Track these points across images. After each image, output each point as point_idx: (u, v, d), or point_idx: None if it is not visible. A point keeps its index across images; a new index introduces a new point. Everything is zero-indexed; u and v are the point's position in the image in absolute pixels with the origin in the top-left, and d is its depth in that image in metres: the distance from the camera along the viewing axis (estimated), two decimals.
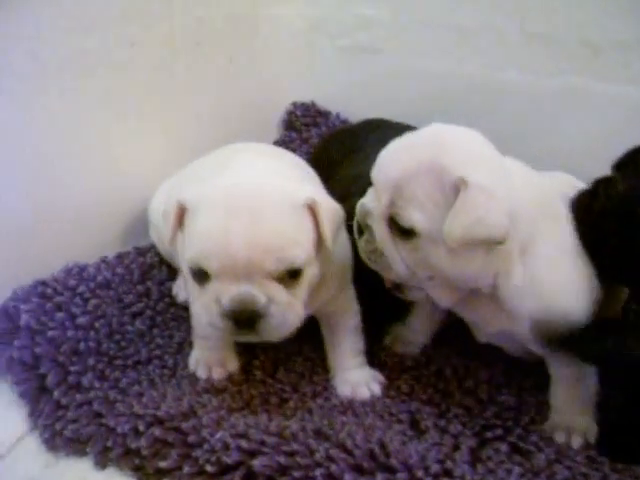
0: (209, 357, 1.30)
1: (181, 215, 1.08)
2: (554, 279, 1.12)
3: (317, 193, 1.12)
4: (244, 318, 1.04)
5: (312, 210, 1.07)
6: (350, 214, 1.19)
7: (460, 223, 1.01)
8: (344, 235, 1.24)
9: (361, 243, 1.16)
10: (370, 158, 1.53)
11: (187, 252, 1.06)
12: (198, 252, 1.04)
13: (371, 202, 1.12)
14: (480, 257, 1.06)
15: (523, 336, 1.15)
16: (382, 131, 1.68)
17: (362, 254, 1.17)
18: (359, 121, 1.83)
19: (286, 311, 1.06)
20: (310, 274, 1.09)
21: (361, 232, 1.16)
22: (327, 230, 1.07)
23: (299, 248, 1.05)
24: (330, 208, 1.11)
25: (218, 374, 1.29)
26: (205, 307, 1.06)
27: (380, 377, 1.31)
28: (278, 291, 1.05)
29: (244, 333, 1.06)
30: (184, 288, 1.46)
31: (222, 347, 1.30)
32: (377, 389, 1.29)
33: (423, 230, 1.05)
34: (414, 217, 1.05)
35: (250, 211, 1.02)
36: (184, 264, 1.10)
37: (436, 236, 1.04)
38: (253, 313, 1.03)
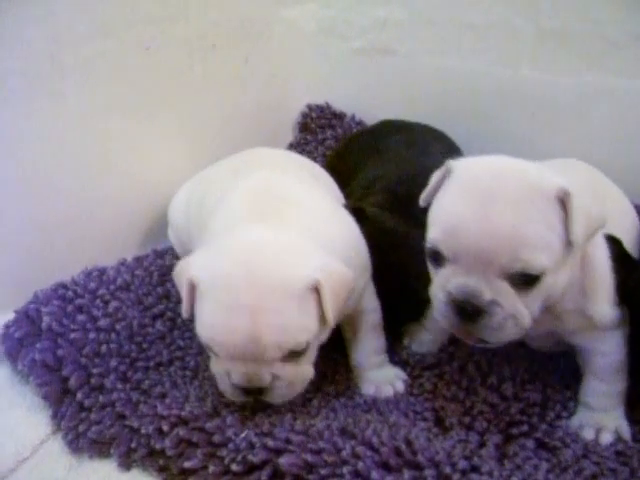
0: None
1: (193, 290, 1.09)
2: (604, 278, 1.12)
3: (323, 267, 1.07)
4: (252, 391, 1.10)
5: (317, 290, 1.06)
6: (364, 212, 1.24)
7: (581, 226, 0.99)
8: (361, 237, 1.26)
9: (472, 328, 1.05)
10: (394, 160, 1.54)
11: (197, 328, 1.09)
12: (205, 337, 1.08)
13: (473, 282, 1.00)
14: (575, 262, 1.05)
15: (568, 332, 1.14)
16: (404, 133, 1.68)
17: (466, 339, 1.09)
18: (376, 122, 1.83)
19: (294, 382, 1.11)
20: (314, 349, 1.12)
21: (468, 318, 1.04)
22: (329, 309, 1.07)
23: (304, 333, 1.07)
24: (335, 282, 1.08)
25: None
26: (218, 376, 1.12)
27: (403, 375, 1.31)
28: (285, 368, 1.08)
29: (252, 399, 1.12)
30: None
31: None
32: (401, 387, 1.28)
33: (550, 265, 0.99)
34: (543, 258, 0.98)
35: (252, 307, 1.03)
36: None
37: (558, 264, 1.01)
38: (261, 389, 1.09)
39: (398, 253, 1.33)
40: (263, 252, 1.07)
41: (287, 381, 1.09)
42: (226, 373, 1.09)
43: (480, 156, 1.08)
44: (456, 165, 1.06)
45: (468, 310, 1.01)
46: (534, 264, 0.98)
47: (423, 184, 1.35)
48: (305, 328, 1.07)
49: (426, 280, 1.28)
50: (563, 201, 0.99)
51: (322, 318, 1.08)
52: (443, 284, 1.03)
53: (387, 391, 1.27)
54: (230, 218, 1.18)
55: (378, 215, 1.38)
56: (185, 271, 1.10)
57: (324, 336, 1.14)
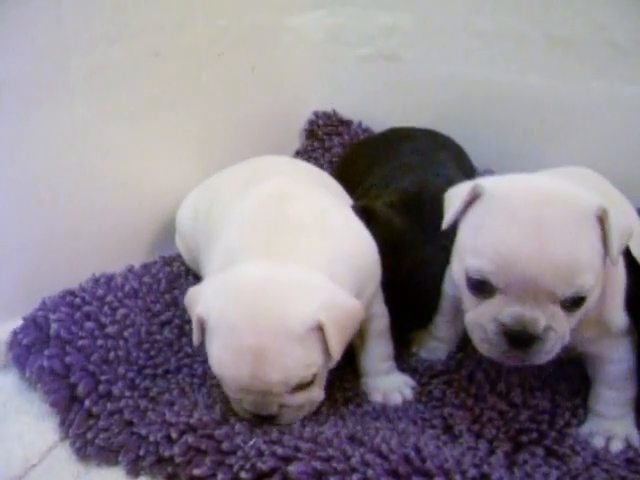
0: None
1: (202, 324, 1.11)
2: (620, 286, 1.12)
3: (327, 302, 1.08)
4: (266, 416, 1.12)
5: (321, 329, 1.07)
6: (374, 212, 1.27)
7: (618, 242, 1.00)
8: (372, 245, 1.25)
9: (523, 354, 1.03)
10: (406, 167, 1.53)
11: (209, 359, 1.12)
12: (215, 370, 1.11)
13: (529, 311, 0.99)
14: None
15: (583, 340, 1.13)
16: (411, 140, 1.68)
17: (509, 362, 1.08)
18: (384, 130, 1.82)
19: (304, 406, 1.14)
20: (322, 377, 1.15)
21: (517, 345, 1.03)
22: (334, 345, 1.08)
23: (310, 369, 1.08)
24: (341, 316, 1.09)
25: None
26: (233, 401, 1.15)
27: (411, 382, 1.30)
28: (293, 398, 1.11)
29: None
30: None
31: None
32: (409, 394, 1.28)
33: (595, 284, 1.00)
34: (591, 279, 0.99)
35: (255, 348, 1.04)
36: None
37: (598, 280, 1.01)
38: (275, 415, 1.12)
39: (407, 255, 1.33)
40: (265, 293, 1.07)
41: (295, 407, 1.12)
42: (238, 401, 1.13)
43: (506, 175, 1.08)
44: (490, 187, 1.04)
45: (524, 338, 1.01)
46: (585, 286, 0.99)
47: (433, 193, 1.35)
48: (310, 364, 1.08)
49: (435, 285, 1.28)
50: (601, 219, 1.00)
51: (328, 351, 1.09)
52: (494, 315, 1.02)
53: (395, 399, 1.26)
54: (235, 240, 1.19)
55: (388, 215, 1.37)
56: (194, 303, 1.13)
57: (332, 363, 1.14)
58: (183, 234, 1.53)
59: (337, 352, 1.09)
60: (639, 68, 1.61)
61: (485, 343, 1.05)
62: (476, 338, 1.07)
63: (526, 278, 0.98)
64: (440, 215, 1.12)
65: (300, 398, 1.11)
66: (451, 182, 1.32)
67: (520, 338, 1.01)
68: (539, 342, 1.01)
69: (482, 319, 1.04)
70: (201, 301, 1.11)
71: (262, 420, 1.13)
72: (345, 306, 1.10)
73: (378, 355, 1.29)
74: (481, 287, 1.03)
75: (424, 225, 1.35)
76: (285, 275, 1.10)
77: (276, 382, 1.06)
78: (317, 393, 1.14)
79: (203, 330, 1.11)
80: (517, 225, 0.98)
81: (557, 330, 1.01)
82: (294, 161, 1.59)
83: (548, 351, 1.02)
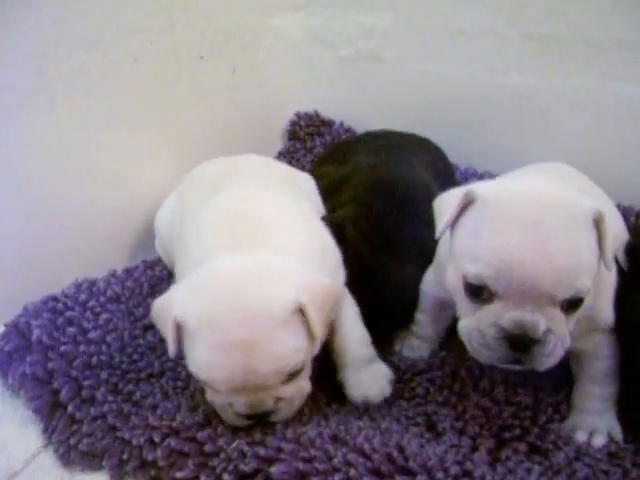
0: None
1: (179, 330, 1.08)
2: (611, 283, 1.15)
3: (304, 285, 1.09)
4: (256, 416, 1.11)
5: (302, 313, 1.07)
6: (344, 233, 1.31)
7: (611, 245, 1.02)
8: (333, 243, 1.28)
9: (524, 358, 1.03)
10: (368, 162, 1.54)
11: (191, 367, 1.09)
12: (202, 376, 1.08)
13: (529, 315, 0.99)
14: None
15: (572, 337, 1.12)
16: (385, 139, 1.69)
17: (509, 366, 1.06)
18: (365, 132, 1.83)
19: (294, 399, 1.13)
20: (309, 365, 1.15)
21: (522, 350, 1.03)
22: (317, 327, 1.08)
23: (299, 354, 1.08)
24: (318, 296, 1.10)
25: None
26: (218, 407, 1.12)
27: (390, 374, 1.27)
28: (286, 389, 1.10)
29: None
30: None
31: None
32: (387, 390, 1.24)
33: (590, 285, 1.01)
34: (589, 281, 1.00)
35: (244, 342, 1.03)
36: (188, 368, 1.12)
37: (594, 281, 1.02)
38: (264, 414, 1.10)
39: (375, 288, 1.33)
40: (244, 283, 1.07)
41: (289, 400, 1.11)
42: (228, 405, 1.10)
43: (495, 180, 1.10)
44: (483, 193, 1.04)
45: (524, 342, 1.01)
46: (584, 288, 1.00)
47: (400, 196, 1.35)
48: (298, 349, 1.08)
49: (408, 297, 1.29)
50: (597, 222, 1.01)
51: (311, 334, 1.09)
52: (493, 320, 1.02)
53: (376, 398, 1.23)
54: (206, 242, 1.18)
55: (357, 243, 1.36)
56: (167, 310, 1.09)
57: (316, 349, 1.15)
58: (161, 238, 1.53)
59: (320, 332, 1.09)
60: (617, 65, 1.63)
61: (484, 349, 1.05)
62: (473, 344, 1.06)
63: (527, 282, 0.98)
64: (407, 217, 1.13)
65: (292, 389, 1.10)
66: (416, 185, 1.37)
67: (521, 342, 1.01)
68: (539, 345, 1.01)
69: (481, 324, 1.04)
70: (176, 305, 1.08)
71: (257, 421, 1.12)
72: (320, 285, 1.11)
73: (355, 340, 1.26)
74: (479, 292, 1.03)
75: (389, 235, 1.36)
76: (259, 264, 1.10)
77: (271, 372, 1.05)
78: (305, 383, 1.14)
79: (179, 338, 1.09)
80: (516, 229, 0.98)
81: (556, 332, 1.01)
82: (268, 161, 1.57)
83: (549, 354, 1.02)
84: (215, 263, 1.11)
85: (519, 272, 0.97)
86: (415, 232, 1.35)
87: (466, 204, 1.06)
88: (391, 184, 1.44)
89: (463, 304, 1.08)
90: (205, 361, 1.06)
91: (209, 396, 1.12)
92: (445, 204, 1.08)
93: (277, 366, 1.05)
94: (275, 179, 1.40)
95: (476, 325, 1.05)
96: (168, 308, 1.09)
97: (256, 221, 1.19)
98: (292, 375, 1.09)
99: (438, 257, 1.25)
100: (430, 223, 1.23)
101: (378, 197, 1.42)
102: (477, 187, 1.06)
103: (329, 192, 1.52)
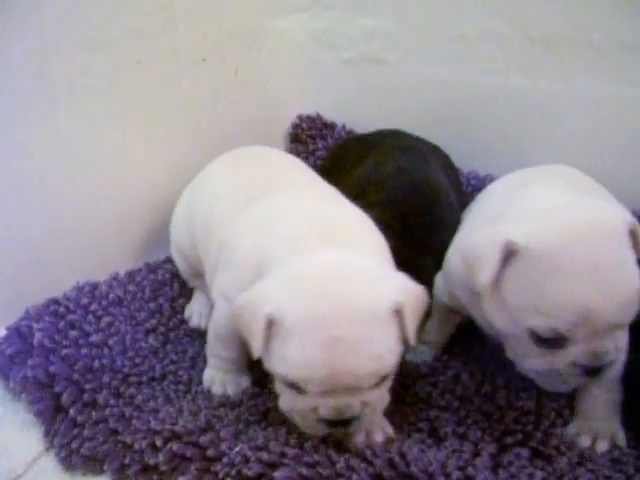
0: (223, 375, 1.29)
1: (269, 327, 1.02)
2: None
3: (402, 288, 1.06)
4: (338, 423, 1.05)
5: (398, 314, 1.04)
6: None
7: None
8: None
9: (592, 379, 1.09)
10: (390, 164, 1.53)
11: (278, 367, 1.03)
12: (294, 375, 1.02)
13: (602, 347, 1.03)
14: None
15: None
16: (400, 139, 1.68)
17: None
18: (372, 131, 1.83)
19: (377, 407, 1.07)
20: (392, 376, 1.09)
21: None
22: (412, 330, 1.05)
23: (394, 357, 1.04)
24: (414, 301, 1.06)
25: (233, 390, 1.28)
26: (300, 412, 1.06)
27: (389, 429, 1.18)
28: (372, 395, 1.04)
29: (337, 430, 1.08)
30: (197, 311, 1.48)
31: (237, 367, 1.30)
32: (390, 432, 1.17)
33: None
34: None
35: (347, 339, 0.98)
36: (271, 369, 1.06)
37: None
38: (350, 418, 1.04)
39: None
40: (344, 280, 1.03)
41: (373, 407, 1.06)
42: (312, 409, 1.03)
43: (527, 218, 1.06)
44: (526, 244, 1.01)
45: (599, 369, 1.05)
46: (389, 369, 1.04)
47: (429, 201, 1.37)
48: (394, 352, 1.04)
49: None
50: (633, 234, 1.04)
51: (405, 337, 1.05)
52: (571, 360, 1.04)
53: (217, 390, 1.27)
54: (284, 240, 1.13)
55: (396, 246, 1.29)
56: (258, 306, 1.03)
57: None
58: (178, 244, 1.51)
59: (414, 335, 1.05)
60: (619, 68, 1.62)
61: (557, 382, 1.09)
62: (546, 380, 1.10)
63: (602, 323, 1.00)
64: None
65: (377, 394, 1.05)
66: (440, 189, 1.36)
67: (597, 369, 1.05)
68: (610, 365, 1.05)
69: (556, 365, 1.05)
70: (268, 302, 1.02)
71: (336, 429, 1.07)
72: (414, 289, 1.08)
73: None
74: (551, 341, 1.03)
75: (420, 236, 1.36)
76: (356, 262, 1.07)
77: (369, 373, 1.01)
78: (386, 393, 1.08)
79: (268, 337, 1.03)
80: (579, 278, 0.98)
81: (622, 349, 1.06)
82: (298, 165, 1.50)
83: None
84: (307, 260, 1.07)
85: (595, 317, 0.99)
86: (444, 236, 1.33)
87: (507, 255, 1.03)
88: (420, 188, 1.44)
89: (527, 348, 1.07)
90: (302, 359, 1.00)
91: (287, 401, 1.07)
92: (481, 253, 1.05)
93: (376, 367, 1.01)
94: (323, 185, 1.39)
95: (549, 366, 1.06)
96: (258, 304, 1.03)
97: (337, 220, 1.17)
98: (383, 378, 1.04)
99: (447, 267, 1.25)
100: (451, 227, 1.26)
101: (409, 201, 1.41)
102: (516, 236, 1.02)
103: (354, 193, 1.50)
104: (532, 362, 1.08)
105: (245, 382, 1.30)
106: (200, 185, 1.47)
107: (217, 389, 1.28)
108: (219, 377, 1.29)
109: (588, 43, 1.63)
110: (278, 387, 1.08)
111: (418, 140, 1.72)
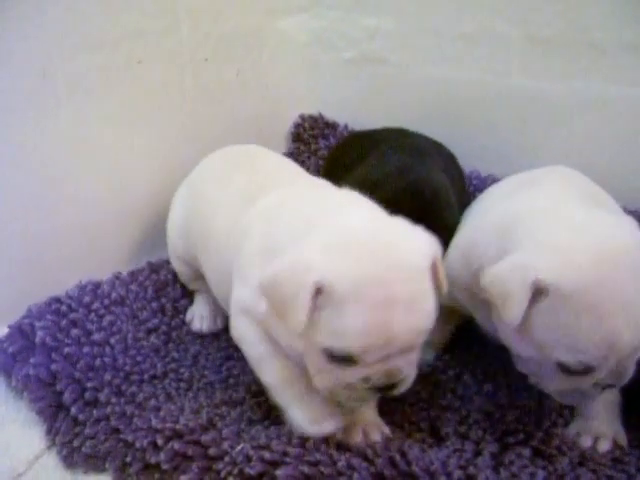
0: (318, 412, 1.12)
1: (316, 296, 0.96)
2: None
3: (430, 241, 1.05)
4: (389, 386, 1.03)
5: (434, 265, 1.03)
6: None
7: None
8: None
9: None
10: (393, 164, 1.52)
11: (330, 341, 0.98)
12: (353, 346, 0.97)
13: (624, 365, 1.05)
14: None
15: None
16: (398, 137, 1.68)
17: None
18: (376, 128, 1.82)
19: (415, 370, 1.06)
20: None
21: None
22: (445, 279, 1.05)
23: (435, 311, 1.02)
24: (439, 252, 1.05)
25: (331, 427, 1.11)
26: (348, 386, 1.02)
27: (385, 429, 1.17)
28: (415, 354, 1.04)
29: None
30: (198, 315, 1.48)
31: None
32: (387, 432, 1.16)
33: None
34: None
35: (404, 299, 0.96)
36: (312, 343, 1.01)
37: None
38: (394, 384, 1.03)
39: None
40: (385, 238, 1.01)
41: (413, 368, 1.04)
42: (363, 379, 1.00)
43: (551, 249, 1.05)
44: (555, 283, 1.01)
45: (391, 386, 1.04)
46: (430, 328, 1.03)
47: (426, 199, 1.36)
48: (436, 305, 1.02)
49: None
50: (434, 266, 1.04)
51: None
52: (593, 382, 1.07)
53: (327, 427, 1.10)
54: (308, 207, 1.12)
55: None
56: (301, 275, 0.96)
57: None
58: (174, 244, 1.51)
59: (446, 286, 1.05)
60: (620, 68, 1.62)
61: (575, 397, 1.12)
62: (562, 396, 1.13)
63: (629, 350, 1.02)
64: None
65: (416, 357, 1.04)
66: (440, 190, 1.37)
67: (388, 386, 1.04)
68: (402, 381, 1.04)
69: (580, 386, 1.08)
70: (314, 269, 0.96)
71: (386, 393, 1.05)
72: (435, 240, 1.06)
73: None
74: (577, 370, 1.04)
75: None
76: (385, 220, 1.06)
77: (424, 330, 1.00)
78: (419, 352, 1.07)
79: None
80: (612, 316, 0.99)
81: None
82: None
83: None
84: (341, 223, 1.04)
85: (625, 347, 1.01)
86: (443, 237, 1.32)
87: (536, 293, 1.03)
88: (419, 188, 1.43)
89: (550, 374, 1.09)
90: (361, 327, 0.95)
91: (329, 378, 1.02)
92: (510, 290, 1.03)
93: (428, 323, 1.00)
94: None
95: (572, 387, 1.09)
96: (302, 273, 0.96)
97: (341, 198, 1.16)
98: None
99: (447, 267, 1.25)
100: (450, 228, 1.26)
101: (407, 201, 1.40)
102: (545, 274, 1.01)
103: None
104: (557, 385, 1.10)
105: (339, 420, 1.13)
106: (193, 195, 1.46)
107: (327, 427, 1.11)
108: (314, 415, 1.11)
109: (589, 43, 1.63)
110: (314, 365, 1.03)
111: (421, 138, 1.71)
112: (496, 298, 1.05)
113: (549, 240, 1.06)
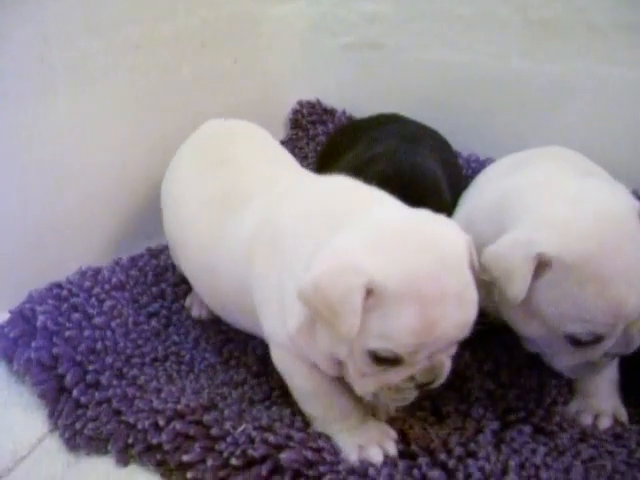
0: (366, 440, 1.08)
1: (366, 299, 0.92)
2: None
3: (460, 230, 1.03)
4: (425, 385, 1.01)
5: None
6: None
7: None
8: None
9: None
10: (383, 150, 1.52)
11: (380, 343, 0.94)
12: (406, 346, 0.94)
13: (632, 334, 1.06)
14: None
15: None
16: (397, 125, 1.67)
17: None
18: (371, 115, 1.82)
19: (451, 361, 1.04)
20: None
21: None
22: (478, 266, 1.03)
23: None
24: (469, 238, 1.03)
25: (379, 455, 1.06)
26: (395, 388, 1.00)
27: (392, 432, 1.11)
28: (455, 348, 1.03)
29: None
30: (197, 301, 1.46)
31: (359, 414, 1.11)
32: (392, 449, 1.08)
33: None
34: None
35: (457, 293, 0.94)
36: (357, 347, 0.96)
37: None
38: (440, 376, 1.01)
39: None
40: (424, 230, 0.98)
41: (450, 361, 1.03)
42: (408, 378, 0.99)
43: (551, 222, 1.05)
44: (558, 255, 1.01)
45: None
46: None
47: (411, 184, 1.34)
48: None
49: None
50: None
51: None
52: (604, 351, 1.07)
53: (375, 455, 1.05)
54: (340, 204, 1.07)
55: None
56: (351, 277, 0.91)
57: None
58: None
59: (478, 267, 1.03)
60: (618, 49, 1.62)
61: (587, 370, 1.13)
62: (580, 372, 1.13)
63: (635, 314, 1.03)
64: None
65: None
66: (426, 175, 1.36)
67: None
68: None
69: (590, 358, 1.08)
70: (363, 270, 0.91)
71: (424, 390, 1.03)
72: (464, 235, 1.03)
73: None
74: (590, 341, 1.05)
75: None
76: (416, 211, 1.03)
77: (472, 321, 0.96)
78: None
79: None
80: (617, 282, 1.00)
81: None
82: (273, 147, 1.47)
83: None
84: (376, 220, 1.00)
85: (631, 312, 1.02)
86: None
87: (538, 267, 1.03)
88: (404, 173, 1.42)
89: (560, 349, 1.09)
90: (415, 324, 0.91)
91: (374, 381, 0.99)
92: (511, 266, 1.03)
93: (475, 313, 0.97)
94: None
95: (584, 360, 1.09)
96: (349, 275, 0.92)
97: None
98: None
99: None
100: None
101: (390, 185, 1.40)
102: (546, 247, 1.01)
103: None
104: (567, 360, 1.10)
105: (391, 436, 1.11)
106: (169, 197, 1.42)
107: (374, 453, 1.06)
108: (358, 436, 1.08)
109: (587, 25, 1.63)
110: (358, 370, 0.99)
111: (412, 124, 1.70)
112: (499, 276, 1.04)
113: (547, 213, 1.06)
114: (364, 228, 0.98)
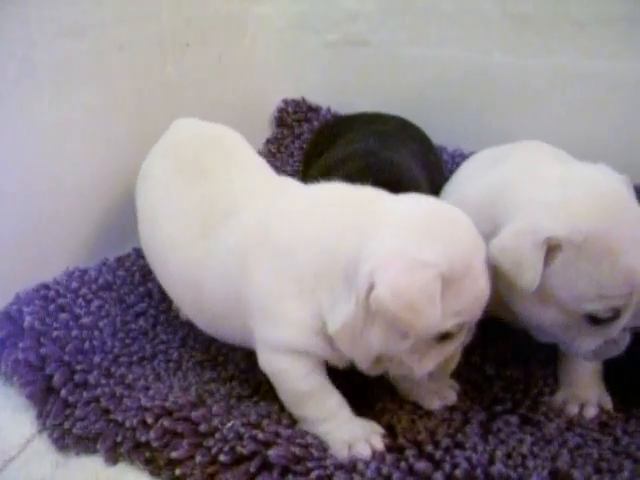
0: (356, 436, 1.10)
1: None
2: None
3: None
4: None
5: None
6: None
7: None
8: None
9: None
10: (358, 149, 1.52)
11: (446, 321, 0.99)
12: (465, 316, 1.02)
13: None
14: None
15: None
16: (369, 122, 1.68)
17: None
18: (354, 113, 1.83)
19: None
20: None
21: None
22: None
23: None
24: None
25: (368, 450, 1.08)
26: (446, 359, 1.07)
27: (379, 428, 1.13)
28: None
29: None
30: None
31: (348, 410, 1.13)
32: (379, 443, 1.09)
33: None
34: None
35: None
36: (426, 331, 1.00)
37: None
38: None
39: None
40: (456, 216, 1.06)
41: None
42: (455, 349, 1.08)
43: (559, 207, 1.06)
44: (567, 237, 1.02)
45: None
46: None
47: (386, 181, 1.34)
48: None
49: None
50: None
51: None
52: (625, 327, 1.08)
53: (363, 449, 1.07)
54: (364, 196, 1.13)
55: None
56: (429, 268, 0.97)
57: None
58: None
59: None
60: (598, 42, 1.64)
61: (610, 350, 1.12)
62: (601, 352, 1.12)
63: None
64: None
65: None
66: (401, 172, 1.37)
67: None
68: None
69: (611, 336, 1.09)
70: (430, 262, 0.96)
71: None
72: None
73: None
74: (609, 318, 1.06)
75: None
76: (434, 200, 1.12)
77: None
78: None
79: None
80: (627, 254, 1.02)
81: None
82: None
83: None
84: (401, 208, 1.06)
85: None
86: None
87: (547, 252, 1.04)
88: (379, 171, 1.43)
89: (581, 331, 1.10)
90: (473, 297, 1.02)
91: (435, 356, 1.05)
92: (520, 257, 1.04)
93: None
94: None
95: (605, 339, 1.09)
96: (428, 267, 0.97)
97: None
98: None
99: None
100: None
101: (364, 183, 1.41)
102: (552, 231, 1.03)
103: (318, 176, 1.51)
104: (588, 342, 1.10)
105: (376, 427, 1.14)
106: (143, 206, 1.40)
107: (362, 448, 1.08)
108: (347, 434, 1.10)
109: (568, 18, 1.65)
110: (414, 359, 1.05)
111: (392, 122, 1.70)
112: (509, 268, 1.05)
113: (542, 200, 1.07)
114: (402, 222, 1.03)
